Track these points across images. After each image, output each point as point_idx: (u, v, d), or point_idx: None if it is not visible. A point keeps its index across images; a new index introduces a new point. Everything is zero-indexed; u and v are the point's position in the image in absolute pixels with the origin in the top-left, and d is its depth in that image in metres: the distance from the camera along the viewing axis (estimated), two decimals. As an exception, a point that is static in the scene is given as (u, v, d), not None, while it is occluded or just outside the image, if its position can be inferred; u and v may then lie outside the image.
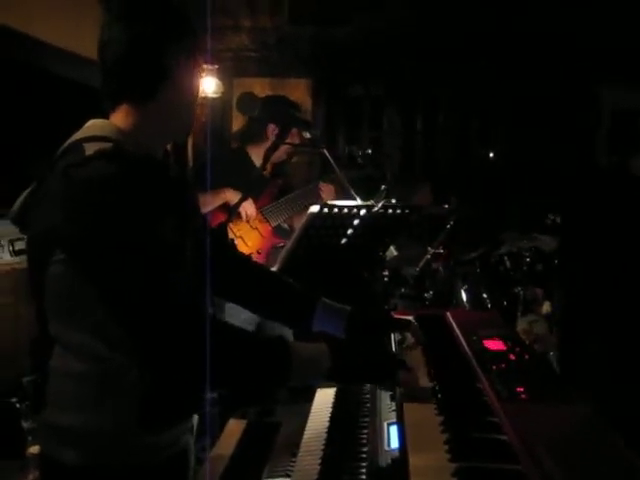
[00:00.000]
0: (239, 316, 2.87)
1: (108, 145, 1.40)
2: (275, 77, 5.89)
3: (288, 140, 3.25)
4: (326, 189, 3.56)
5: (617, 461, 1.17)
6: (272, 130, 3.51)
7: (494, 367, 1.59)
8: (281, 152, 3.45)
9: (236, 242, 3.40)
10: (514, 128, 6.07)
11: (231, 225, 3.37)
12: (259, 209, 3.50)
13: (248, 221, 3.43)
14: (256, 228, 3.50)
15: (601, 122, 5.98)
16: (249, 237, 3.47)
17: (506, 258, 4.39)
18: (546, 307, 4.20)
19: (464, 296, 4.19)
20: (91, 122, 1.51)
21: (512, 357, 1.68)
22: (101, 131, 1.46)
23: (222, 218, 3.30)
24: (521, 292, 4.23)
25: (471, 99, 6.14)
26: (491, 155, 6.09)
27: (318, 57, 5.83)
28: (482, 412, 1.36)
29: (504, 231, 4.64)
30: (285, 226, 3.65)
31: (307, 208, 3.43)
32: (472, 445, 1.22)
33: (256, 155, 3.52)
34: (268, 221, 3.54)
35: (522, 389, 1.44)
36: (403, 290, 4.12)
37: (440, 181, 5.62)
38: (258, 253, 3.48)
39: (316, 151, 3.53)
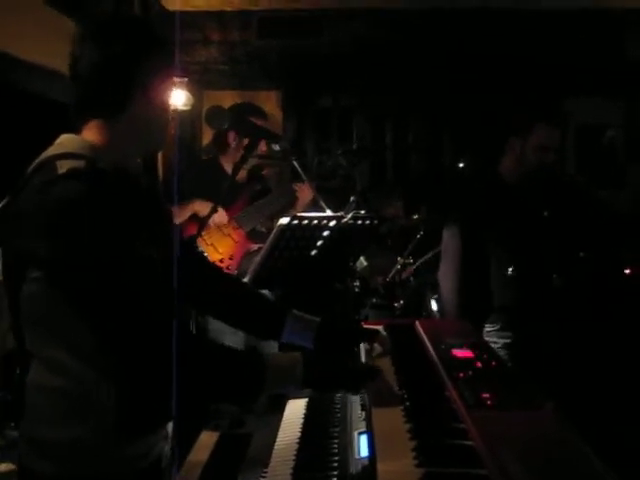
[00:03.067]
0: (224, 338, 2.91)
1: (81, 163, 1.41)
2: (245, 89, 5.90)
3: (257, 152, 3.27)
4: (303, 189, 3.57)
5: (582, 466, 1.20)
6: (232, 137, 3.54)
7: (461, 375, 1.61)
8: (250, 163, 3.48)
9: (207, 250, 3.41)
10: (484, 140, 6.14)
11: (202, 233, 3.38)
12: (232, 216, 3.51)
13: (219, 227, 3.44)
14: (229, 235, 3.51)
15: (567, 137, 6.10)
16: (220, 244, 3.48)
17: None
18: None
19: (434, 305, 4.22)
20: (63, 137, 1.51)
21: (479, 365, 1.70)
22: (73, 148, 1.46)
23: (193, 230, 3.31)
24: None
25: (441, 110, 6.20)
26: (461, 166, 6.15)
27: (287, 69, 5.86)
28: (449, 419, 1.39)
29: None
30: (262, 229, 3.66)
31: (282, 211, 3.47)
32: (439, 451, 1.24)
33: (228, 165, 3.54)
34: (241, 227, 3.55)
35: (488, 395, 1.46)
36: (374, 300, 4.15)
37: (411, 191, 5.66)
38: (230, 259, 3.48)
39: (286, 163, 3.55)
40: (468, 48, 5.59)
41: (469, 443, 1.27)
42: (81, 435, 1.45)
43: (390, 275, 4.23)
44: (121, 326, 1.36)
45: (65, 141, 1.50)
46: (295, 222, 2.57)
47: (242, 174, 3.58)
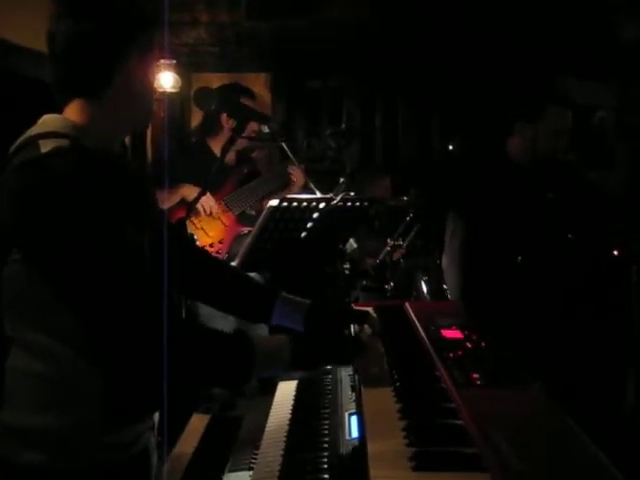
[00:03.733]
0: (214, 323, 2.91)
1: (64, 142, 1.39)
2: (234, 71, 5.86)
3: (246, 133, 3.25)
4: (297, 172, 3.55)
5: (570, 443, 1.21)
6: (225, 119, 3.52)
7: (451, 355, 1.62)
8: (239, 145, 3.46)
9: (197, 234, 3.41)
10: (473, 121, 6.15)
11: (192, 217, 3.38)
12: (221, 199, 3.50)
13: (211, 214, 3.43)
14: (218, 218, 3.50)
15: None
16: (210, 227, 3.47)
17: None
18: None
19: (424, 287, 4.23)
20: (46, 117, 1.49)
21: (469, 345, 1.71)
22: (56, 127, 1.44)
23: (182, 214, 3.30)
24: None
25: (430, 92, 6.19)
26: (450, 148, 6.15)
27: (277, 51, 5.83)
28: (439, 398, 1.40)
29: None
30: (252, 212, 3.65)
31: (272, 194, 3.46)
32: (429, 430, 1.25)
33: (217, 147, 3.52)
34: (231, 210, 3.54)
35: (477, 375, 1.47)
36: (364, 282, 4.15)
37: (400, 173, 5.66)
38: (220, 243, 3.48)
39: (275, 144, 3.54)
40: (458, 30, 5.57)
41: (459, 422, 1.27)
42: (65, 423, 1.43)
43: (380, 257, 4.23)
44: (107, 311, 1.33)
45: (48, 120, 1.48)
46: (284, 204, 2.57)
47: (231, 156, 3.57)
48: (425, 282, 4.25)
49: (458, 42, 5.61)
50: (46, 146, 1.37)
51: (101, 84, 1.47)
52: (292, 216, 2.65)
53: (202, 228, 3.45)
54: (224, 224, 3.52)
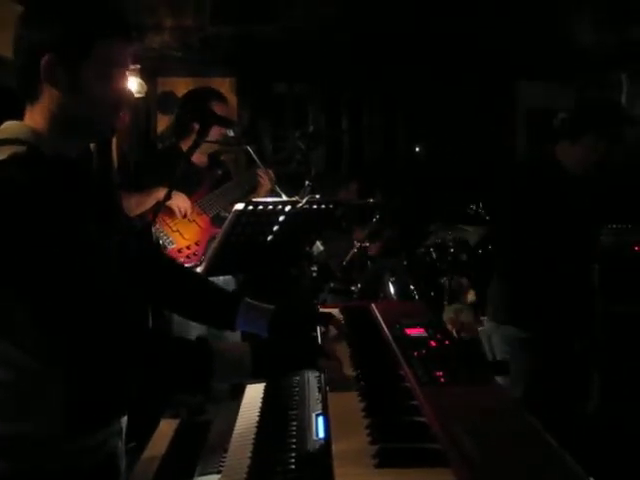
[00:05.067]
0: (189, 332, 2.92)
1: (21, 148, 1.38)
2: (199, 76, 5.86)
3: (212, 137, 3.26)
4: (265, 176, 3.55)
5: (531, 439, 1.23)
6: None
7: (415, 353, 1.64)
8: (210, 148, 3.48)
9: (173, 236, 3.40)
10: (438, 123, 6.22)
11: (167, 220, 3.38)
12: (196, 202, 3.49)
13: (185, 216, 3.42)
14: (194, 220, 3.50)
15: (518, 119, 6.21)
16: (186, 230, 3.47)
17: (432, 249, 4.50)
18: (471, 296, 4.32)
19: (391, 288, 4.27)
20: (5, 124, 1.48)
21: (433, 344, 1.73)
22: (14, 133, 1.43)
23: (161, 217, 3.31)
24: (446, 282, 4.34)
25: (395, 96, 6.25)
26: (417, 149, 6.21)
27: (241, 56, 5.83)
28: (403, 396, 1.41)
29: (431, 223, 4.75)
30: (226, 214, 3.65)
31: (245, 196, 3.47)
32: (393, 428, 1.27)
33: None
34: (206, 212, 3.54)
35: (441, 373, 1.49)
36: (332, 284, 4.17)
37: (366, 176, 5.71)
38: (196, 245, 3.48)
39: (240, 148, 3.54)
40: (422, 34, 5.62)
41: (422, 419, 1.29)
42: (29, 429, 1.42)
43: (347, 259, 4.26)
44: (68, 318, 1.32)
45: (7, 127, 1.47)
46: (250, 208, 2.58)
47: (203, 159, 3.58)
48: (392, 283, 4.29)
49: (422, 46, 5.66)
50: (3, 153, 1.36)
51: (34, 90, 1.45)
52: (258, 220, 2.66)
53: (178, 230, 3.45)
54: (200, 226, 3.52)
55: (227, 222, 2.64)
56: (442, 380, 1.47)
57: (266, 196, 3.40)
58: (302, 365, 1.62)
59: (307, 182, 3.03)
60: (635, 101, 5.64)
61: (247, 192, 3.61)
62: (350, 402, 1.41)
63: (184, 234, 3.46)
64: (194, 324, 2.89)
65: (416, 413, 1.32)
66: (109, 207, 1.64)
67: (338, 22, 5.59)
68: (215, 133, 3.31)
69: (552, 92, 5.76)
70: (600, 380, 3.40)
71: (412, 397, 1.40)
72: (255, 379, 1.76)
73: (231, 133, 3.26)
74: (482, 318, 4.13)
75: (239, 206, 2.57)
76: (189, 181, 3.36)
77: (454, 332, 4.00)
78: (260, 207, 2.61)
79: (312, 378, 1.74)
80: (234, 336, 3.00)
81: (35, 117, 1.47)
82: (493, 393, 1.43)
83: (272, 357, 1.53)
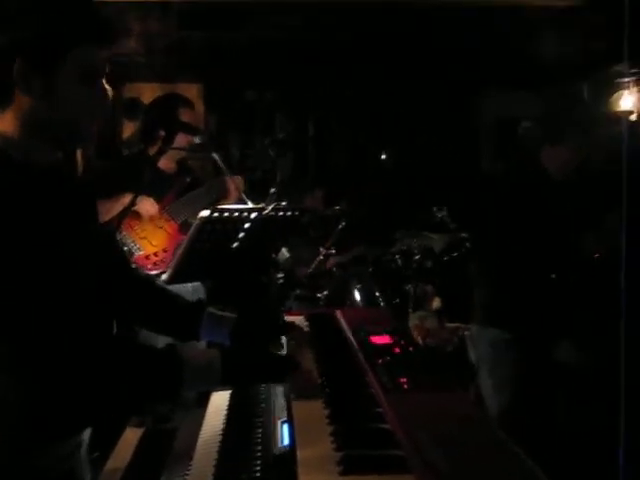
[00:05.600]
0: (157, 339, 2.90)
1: None
2: (166, 82, 5.83)
3: (179, 144, 3.25)
4: (235, 183, 3.53)
5: (493, 444, 1.25)
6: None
7: (380, 360, 1.66)
8: (178, 155, 3.46)
9: (140, 243, 3.38)
10: (405, 132, 6.28)
11: (135, 227, 3.36)
12: (164, 208, 3.47)
13: (151, 218, 3.40)
14: (162, 227, 3.47)
15: (484, 128, 6.29)
16: (154, 236, 3.44)
17: (397, 256, 4.53)
18: (436, 303, 4.35)
19: (357, 295, 4.28)
20: None
21: (397, 350, 1.75)
22: None
23: (129, 224, 3.28)
24: (411, 289, 4.37)
25: (363, 103, 6.29)
26: (383, 157, 6.26)
27: (208, 62, 5.82)
28: (367, 403, 1.42)
29: (396, 230, 4.78)
30: (193, 221, 3.62)
31: (214, 203, 3.45)
32: (357, 434, 1.28)
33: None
34: (174, 219, 3.52)
35: (405, 379, 1.51)
36: (298, 292, 4.18)
37: (333, 183, 5.73)
38: (164, 251, 3.45)
39: (205, 155, 3.52)
40: (388, 43, 5.67)
41: (386, 426, 1.31)
42: None
43: (313, 266, 4.27)
44: (30, 329, 1.30)
45: None
46: (215, 215, 2.57)
47: (171, 166, 3.55)
48: (358, 290, 4.31)
49: (390, 54, 5.71)
50: None
51: (6, 95, 1.41)
52: (223, 227, 2.66)
53: (146, 237, 3.43)
54: (168, 233, 3.49)
55: (192, 229, 2.63)
56: (406, 387, 1.48)
57: (233, 203, 3.40)
58: (271, 378, 1.61)
59: (272, 189, 3.04)
60: (597, 111, 5.74)
61: (216, 199, 3.60)
62: (315, 409, 1.42)
63: (152, 240, 3.44)
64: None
65: (380, 420, 1.34)
66: (82, 214, 1.62)
67: (306, 30, 5.61)
68: (182, 140, 3.30)
69: (517, 101, 5.84)
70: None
71: (376, 404, 1.42)
72: (224, 387, 1.75)
73: (197, 140, 3.25)
74: (447, 325, 4.17)
75: (204, 213, 2.56)
76: (157, 188, 3.34)
77: (419, 339, 4.03)
78: (225, 214, 2.61)
79: (278, 385, 1.75)
80: (201, 344, 3.00)
81: (5, 122, 1.44)
82: (457, 400, 1.46)
83: (241, 366, 1.53)
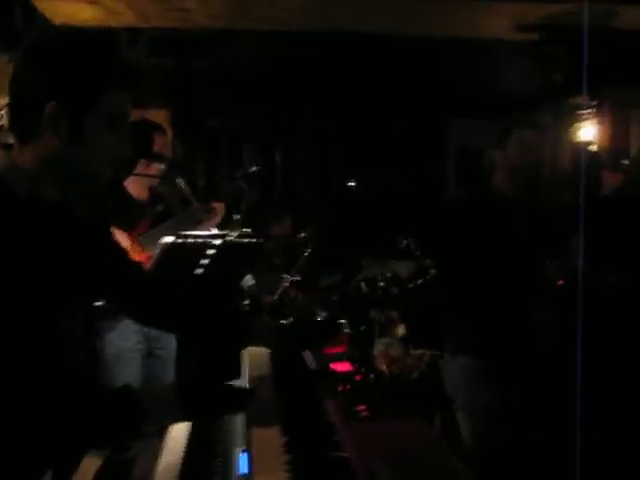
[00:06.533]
0: (123, 344, 2.87)
1: None
2: (134, 107, 5.81)
3: (151, 172, 3.25)
4: (218, 208, 3.48)
5: (447, 471, 1.26)
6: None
7: (340, 388, 1.66)
8: (151, 182, 3.43)
9: None
10: (371, 159, 6.34)
11: None
12: (136, 238, 3.42)
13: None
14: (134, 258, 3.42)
15: (449, 156, 6.38)
16: None
17: (363, 283, 4.54)
18: (401, 329, 4.36)
19: (323, 322, 4.27)
20: None
21: (358, 378, 1.75)
22: None
23: None
24: (376, 316, 4.38)
25: (329, 131, 6.34)
26: (350, 185, 6.31)
27: (176, 89, 5.83)
28: (325, 432, 1.42)
29: (363, 258, 4.80)
30: None
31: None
32: (313, 463, 1.27)
33: (131, 186, 3.43)
34: (145, 250, 3.47)
35: (364, 407, 1.51)
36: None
37: (300, 211, 5.76)
38: None
39: (170, 182, 3.50)
40: (355, 71, 5.73)
41: (343, 455, 1.30)
42: None
43: (277, 293, 4.25)
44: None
45: None
46: (179, 241, 2.57)
47: (144, 194, 3.50)
48: (322, 318, 4.30)
49: (356, 83, 5.77)
50: None
51: (30, 132, 1.43)
52: (187, 253, 2.66)
53: None
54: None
55: (156, 256, 2.62)
56: (365, 415, 1.48)
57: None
58: (232, 409, 1.61)
59: (236, 216, 3.04)
60: (559, 141, 5.86)
61: (189, 229, 3.56)
62: (272, 437, 1.41)
63: None
64: (130, 359, 2.90)
65: (337, 449, 1.33)
66: (91, 247, 1.63)
67: (273, 59, 5.65)
68: (154, 167, 3.29)
69: (482, 130, 5.93)
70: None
71: (335, 432, 1.41)
72: (184, 421, 1.74)
73: (162, 167, 3.25)
74: (412, 351, 4.18)
75: (168, 239, 2.56)
76: (130, 216, 3.30)
77: (384, 366, 4.03)
78: (190, 240, 2.61)
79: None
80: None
81: (25, 155, 1.44)
82: (415, 428, 1.45)
83: (202, 399, 1.52)
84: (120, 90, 1.48)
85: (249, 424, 1.50)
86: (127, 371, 3.02)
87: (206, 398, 1.53)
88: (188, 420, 1.69)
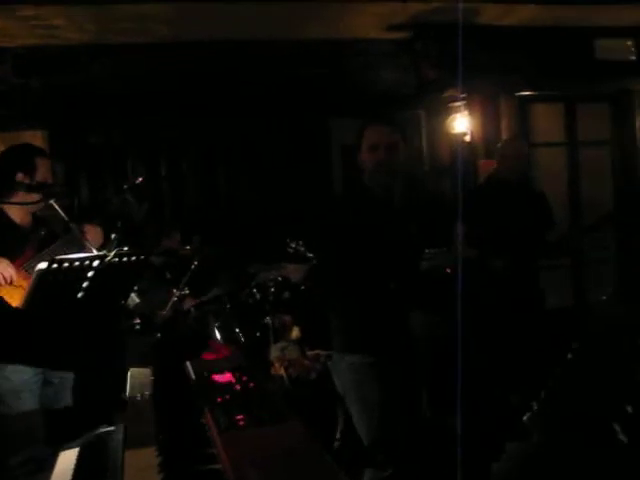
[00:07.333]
0: (19, 377, 2.86)
1: None
2: (6, 131, 5.60)
3: (24, 199, 3.15)
4: (91, 230, 3.39)
5: (316, 469, 1.28)
6: (21, 177, 3.32)
7: (219, 399, 1.66)
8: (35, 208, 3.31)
9: None
10: (257, 165, 6.36)
11: None
12: (21, 265, 3.29)
13: (11, 283, 3.21)
14: (20, 285, 3.28)
15: (333, 155, 6.46)
16: (11, 296, 3.22)
17: (254, 290, 4.54)
18: (295, 332, 4.39)
19: (217, 333, 4.25)
20: None
21: (237, 388, 1.76)
22: None
23: None
24: (270, 321, 4.39)
25: (213, 139, 6.32)
26: (236, 192, 6.32)
27: (50, 108, 5.65)
28: (202, 446, 1.42)
29: (250, 264, 4.78)
30: None
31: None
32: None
33: (12, 211, 3.29)
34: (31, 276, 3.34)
35: (242, 416, 1.52)
36: (158, 335, 4.08)
37: (188, 223, 5.71)
38: None
39: (45, 204, 3.38)
40: (235, 78, 5.72)
41: (217, 467, 1.31)
42: None
43: (167, 307, 4.19)
44: None
45: None
46: (55, 266, 2.50)
47: (27, 220, 3.36)
48: (217, 328, 4.28)
49: (237, 87, 5.77)
50: None
51: None
52: (65, 278, 2.59)
53: (3, 297, 3.23)
54: (25, 290, 3.31)
55: (31, 283, 2.54)
56: (242, 424, 1.49)
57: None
58: (100, 421, 1.59)
59: (113, 235, 2.98)
60: (433, 136, 6.05)
61: (75, 252, 3.45)
62: (147, 459, 1.40)
63: (10, 301, 3.25)
64: (27, 392, 2.83)
65: (213, 461, 1.34)
66: None
67: (149, 71, 5.57)
68: (34, 195, 3.19)
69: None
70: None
71: (211, 445, 1.42)
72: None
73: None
74: (308, 353, 4.21)
75: (42, 265, 2.48)
76: (14, 243, 3.18)
77: (282, 370, 4.04)
78: (65, 264, 2.54)
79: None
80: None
81: None
82: (291, 432, 1.47)
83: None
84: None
85: (123, 448, 1.49)
86: (25, 403, 2.93)
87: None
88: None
